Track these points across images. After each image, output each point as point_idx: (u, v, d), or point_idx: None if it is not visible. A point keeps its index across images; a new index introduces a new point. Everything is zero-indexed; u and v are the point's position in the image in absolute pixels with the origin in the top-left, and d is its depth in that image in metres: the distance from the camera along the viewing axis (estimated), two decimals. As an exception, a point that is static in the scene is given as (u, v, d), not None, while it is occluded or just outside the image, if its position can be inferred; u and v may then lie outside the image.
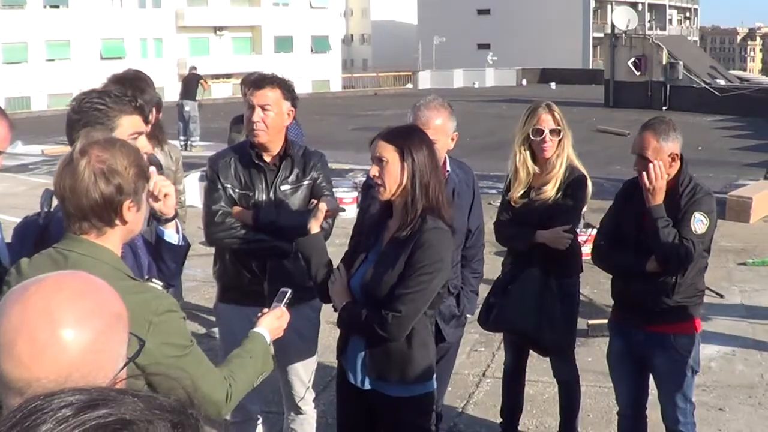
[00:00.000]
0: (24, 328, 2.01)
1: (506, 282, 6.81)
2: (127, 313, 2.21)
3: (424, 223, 4.72)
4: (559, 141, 6.62)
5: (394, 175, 4.75)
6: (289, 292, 4.41)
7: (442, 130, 5.90)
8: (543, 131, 6.58)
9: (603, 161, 22.23)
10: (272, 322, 4.20)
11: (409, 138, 4.81)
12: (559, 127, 6.60)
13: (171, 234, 4.48)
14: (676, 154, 5.82)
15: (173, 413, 1.47)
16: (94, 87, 5.10)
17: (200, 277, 12.01)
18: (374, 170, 4.83)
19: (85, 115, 4.47)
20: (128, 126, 4.40)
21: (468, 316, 6.57)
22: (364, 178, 17.54)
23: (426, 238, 4.68)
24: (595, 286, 11.12)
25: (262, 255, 5.97)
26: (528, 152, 6.70)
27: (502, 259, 7.24)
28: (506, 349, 7.53)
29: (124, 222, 3.38)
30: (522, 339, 6.99)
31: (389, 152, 4.75)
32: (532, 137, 6.64)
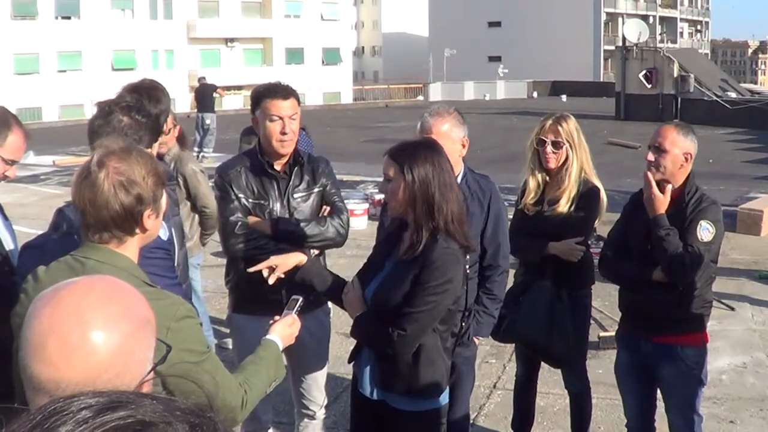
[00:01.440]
0: (55, 330, 2.05)
1: (518, 293, 6.82)
2: (154, 318, 2.25)
3: (434, 242, 4.64)
4: (567, 155, 6.64)
5: (395, 193, 4.69)
6: (300, 299, 4.44)
7: (446, 135, 5.83)
8: (545, 141, 6.63)
9: (614, 174, 22.18)
10: (284, 330, 4.25)
11: (412, 155, 4.68)
12: (559, 140, 6.61)
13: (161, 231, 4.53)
14: (690, 155, 5.83)
15: (192, 415, 1.48)
16: (113, 98, 5.14)
17: (211, 288, 12.02)
18: (382, 187, 4.88)
19: (109, 127, 4.54)
20: None
21: (480, 338, 6.46)
22: (375, 190, 17.32)
23: (435, 258, 4.60)
24: (606, 298, 11.10)
25: None
26: (537, 160, 6.76)
27: (512, 272, 7.24)
28: (517, 360, 7.53)
29: (144, 230, 3.43)
30: (533, 350, 6.99)
31: (392, 170, 4.69)
32: (536, 146, 6.72)
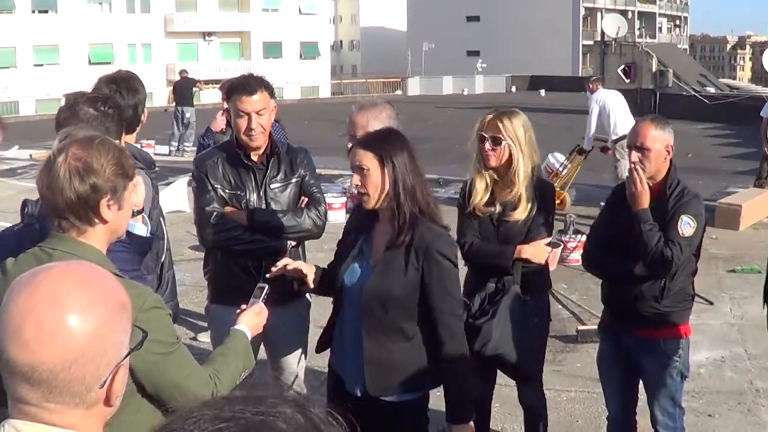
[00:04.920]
0: (31, 314, 2.07)
1: (487, 303, 6.22)
2: (130, 303, 2.26)
3: (421, 228, 4.73)
4: (509, 153, 6.11)
5: (376, 183, 4.72)
6: (266, 287, 4.45)
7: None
8: (485, 138, 6.16)
9: (593, 168, 22.19)
10: (252, 319, 4.26)
11: (387, 143, 4.78)
12: (499, 136, 6.11)
13: (140, 227, 4.51)
14: (671, 146, 5.84)
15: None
16: (79, 90, 5.13)
17: (189, 282, 11.99)
18: (356, 180, 4.78)
19: (75, 119, 4.54)
20: None
21: None
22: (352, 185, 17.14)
23: (441, 252, 4.74)
24: (585, 291, 11.12)
25: (258, 255, 5.96)
26: (482, 159, 6.26)
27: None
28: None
29: (103, 221, 3.39)
30: (500, 363, 6.37)
31: (369, 160, 4.71)
32: (478, 142, 6.26)
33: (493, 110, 6.29)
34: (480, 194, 6.24)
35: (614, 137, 17.31)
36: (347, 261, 5.02)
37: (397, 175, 4.68)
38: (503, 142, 6.09)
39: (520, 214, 6.16)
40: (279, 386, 1.66)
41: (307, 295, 6.25)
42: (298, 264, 5.14)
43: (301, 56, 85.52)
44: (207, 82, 60.84)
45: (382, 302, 4.75)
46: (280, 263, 5.09)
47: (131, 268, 4.20)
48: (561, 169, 18.49)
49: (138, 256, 4.40)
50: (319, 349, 5.27)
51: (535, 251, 6.22)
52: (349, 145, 5.47)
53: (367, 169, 4.71)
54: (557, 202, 15.35)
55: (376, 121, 5.73)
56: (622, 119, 17.36)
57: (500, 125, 6.10)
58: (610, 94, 18.48)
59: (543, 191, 6.31)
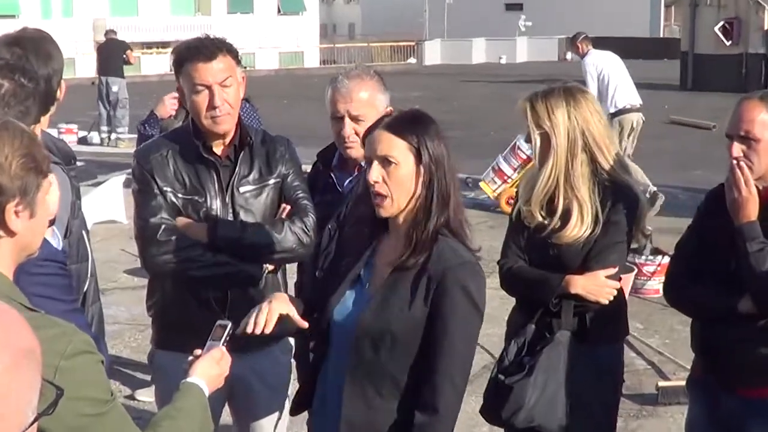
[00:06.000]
0: None
1: (525, 354, 6.09)
2: (40, 350, 2.19)
3: (437, 246, 4.62)
4: (549, 150, 6.02)
5: (403, 183, 4.61)
6: (229, 325, 4.43)
7: (369, 104, 5.86)
8: (527, 131, 6.16)
9: (678, 165, 22.13)
10: (210, 368, 4.22)
11: (425, 129, 4.66)
12: (536, 129, 6.04)
13: (48, 239, 4.50)
14: None
15: None
16: None
17: (124, 319, 11.88)
18: (377, 174, 4.61)
19: None
20: None
21: None
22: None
23: (452, 292, 4.59)
24: (668, 335, 11.06)
25: (222, 284, 5.93)
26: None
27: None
28: None
29: (10, 233, 3.34)
30: None
31: (400, 150, 4.60)
32: None
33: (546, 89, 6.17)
34: (528, 195, 6.15)
35: (612, 110, 17.94)
36: (340, 289, 4.93)
37: (433, 174, 4.60)
38: (535, 137, 6.05)
39: (575, 230, 6.00)
40: None
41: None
42: (275, 306, 4.83)
43: (279, 11, 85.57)
44: (150, 46, 61.13)
45: (374, 341, 4.66)
46: (250, 317, 4.76)
47: (69, 299, 4.20)
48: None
49: (75, 283, 4.41)
50: (295, 410, 5.25)
51: (589, 285, 6.03)
52: (344, 132, 5.50)
53: (396, 163, 4.60)
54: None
55: (369, 93, 5.79)
56: (622, 88, 18.52)
57: (536, 114, 6.04)
58: (605, 56, 19.79)
59: (619, 199, 6.09)
